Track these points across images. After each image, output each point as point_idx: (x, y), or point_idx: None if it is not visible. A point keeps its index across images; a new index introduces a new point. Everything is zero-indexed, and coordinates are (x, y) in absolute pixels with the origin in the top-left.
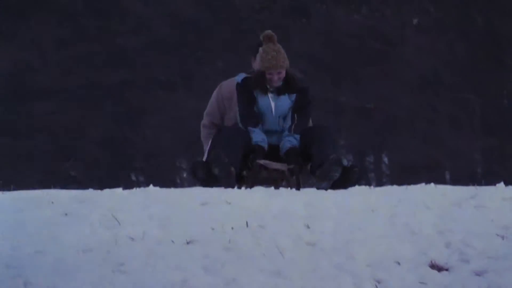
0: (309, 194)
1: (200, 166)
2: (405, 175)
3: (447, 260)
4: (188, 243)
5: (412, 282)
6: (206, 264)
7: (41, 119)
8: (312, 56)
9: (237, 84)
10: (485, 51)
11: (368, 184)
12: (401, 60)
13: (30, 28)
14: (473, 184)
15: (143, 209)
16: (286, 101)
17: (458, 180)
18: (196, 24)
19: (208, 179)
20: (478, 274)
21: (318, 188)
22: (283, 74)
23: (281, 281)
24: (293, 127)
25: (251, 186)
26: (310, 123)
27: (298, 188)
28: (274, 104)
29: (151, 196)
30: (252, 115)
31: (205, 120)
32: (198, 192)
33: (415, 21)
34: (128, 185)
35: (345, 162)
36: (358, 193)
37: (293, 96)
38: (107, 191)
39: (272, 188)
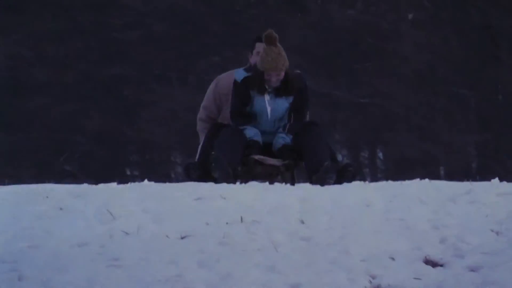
0: (304, 189)
1: (192, 168)
2: (400, 170)
3: (442, 255)
4: (182, 237)
5: (407, 277)
6: (201, 258)
7: (36, 113)
8: (307, 50)
9: (235, 81)
10: (481, 46)
11: (363, 179)
12: (396, 55)
13: (26, 22)
14: (468, 180)
15: (137, 203)
16: (283, 104)
17: (453, 175)
18: (192, 19)
19: (202, 180)
20: (473, 269)
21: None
22: (282, 75)
23: (275, 276)
24: (287, 126)
25: (246, 182)
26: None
27: (292, 184)
28: (270, 108)
29: (146, 191)
30: (243, 114)
31: (202, 114)
32: (193, 187)
33: (410, 16)
34: (123, 180)
35: (339, 158)
36: (353, 188)
37: (291, 98)
38: (102, 185)
39: (267, 183)
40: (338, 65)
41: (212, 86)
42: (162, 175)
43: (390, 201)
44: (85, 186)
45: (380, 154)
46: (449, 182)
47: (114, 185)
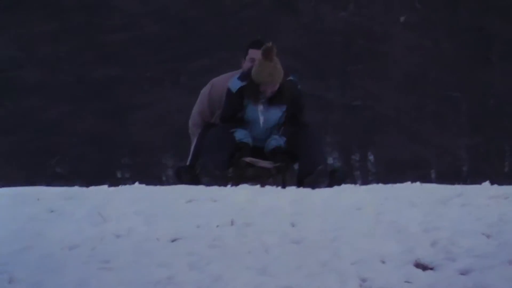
0: (295, 191)
1: (183, 172)
2: (391, 173)
3: (433, 258)
4: (173, 240)
5: (397, 280)
6: (192, 261)
7: (27, 115)
8: (299, 52)
9: (229, 91)
10: (472, 49)
11: (354, 182)
12: (388, 58)
13: (17, 23)
14: (459, 183)
15: (128, 206)
16: (275, 113)
17: (444, 178)
18: (184, 20)
19: (193, 183)
20: (464, 273)
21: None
22: (276, 87)
23: (266, 278)
24: (281, 130)
25: (237, 184)
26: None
27: (284, 186)
28: (263, 118)
29: (137, 193)
30: (234, 119)
31: (196, 119)
32: (184, 190)
33: (402, 18)
34: (114, 182)
35: (330, 161)
36: (344, 191)
37: (284, 106)
38: (93, 188)
39: (258, 185)
40: (330, 67)
41: (206, 90)
42: (153, 178)
43: (381, 204)
44: (76, 188)
45: (371, 157)
46: (440, 185)
47: (105, 187)
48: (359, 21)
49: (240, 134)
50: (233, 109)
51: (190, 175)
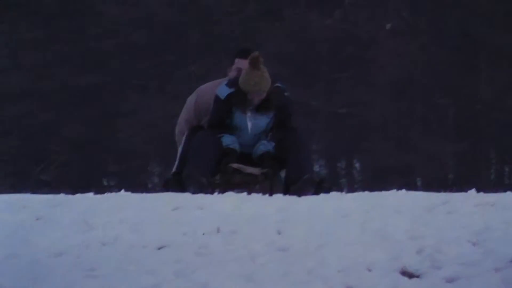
0: (281, 199)
1: (171, 183)
2: (377, 180)
3: (419, 266)
4: (159, 248)
5: None
6: (178, 268)
7: (12, 122)
8: (285, 59)
9: (218, 97)
10: (459, 55)
11: (340, 189)
12: (375, 64)
13: (3, 29)
14: (445, 190)
15: (114, 213)
16: (263, 120)
17: (430, 185)
18: (169, 27)
19: (180, 191)
20: (450, 281)
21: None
22: (264, 95)
23: (252, 286)
24: (270, 135)
25: (224, 190)
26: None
27: (271, 194)
28: (250, 124)
29: (123, 201)
30: (222, 126)
31: (183, 127)
32: (170, 197)
33: (388, 25)
34: (100, 190)
35: (316, 169)
36: (330, 199)
37: (271, 113)
38: (79, 195)
39: (245, 193)
40: (316, 74)
41: (192, 99)
42: (139, 185)
43: (367, 211)
44: (62, 196)
45: (358, 164)
46: (426, 192)
47: (91, 195)
48: (345, 28)
49: (228, 140)
50: (221, 115)
51: (177, 183)
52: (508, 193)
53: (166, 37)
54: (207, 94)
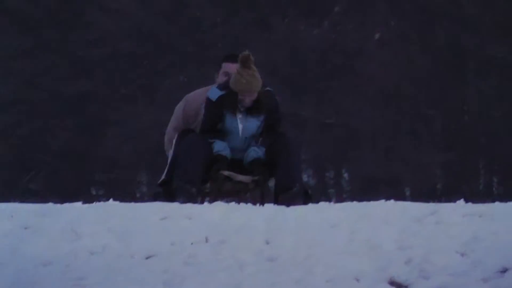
0: (270, 209)
1: (160, 194)
2: (365, 190)
3: (407, 276)
4: (148, 257)
5: None
6: (166, 278)
7: (0, 130)
8: (273, 69)
9: (209, 99)
10: (447, 65)
11: (328, 199)
12: (363, 75)
13: None
14: (433, 200)
15: (103, 223)
16: (254, 122)
17: (418, 195)
18: (158, 37)
19: (170, 199)
20: None
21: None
22: (255, 96)
23: None
24: (260, 140)
25: (214, 198)
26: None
27: (262, 201)
28: (241, 126)
29: (111, 210)
30: (214, 130)
31: (172, 136)
32: (158, 207)
33: (377, 35)
34: (88, 199)
35: (305, 179)
36: (318, 209)
37: (262, 117)
38: (67, 205)
39: (233, 202)
40: (304, 84)
41: (180, 106)
42: (127, 195)
43: (355, 221)
44: (50, 205)
45: (346, 174)
46: (415, 202)
47: (79, 204)
48: (333, 38)
49: (219, 146)
50: (213, 118)
51: (166, 194)
52: (497, 203)
53: (154, 47)
54: (195, 101)
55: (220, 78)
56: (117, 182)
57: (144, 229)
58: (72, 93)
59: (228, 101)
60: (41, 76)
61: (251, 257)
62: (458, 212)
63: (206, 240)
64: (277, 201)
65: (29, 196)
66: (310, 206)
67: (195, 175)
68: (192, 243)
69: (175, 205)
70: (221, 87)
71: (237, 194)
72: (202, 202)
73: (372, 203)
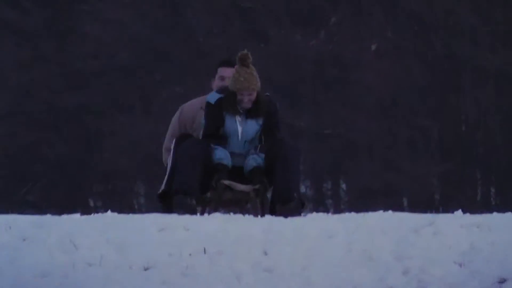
0: (267, 220)
1: (162, 202)
2: (363, 201)
3: (405, 287)
4: (145, 268)
5: None
6: None
7: None
8: (270, 80)
9: (208, 103)
10: (443, 76)
11: (326, 210)
12: (360, 85)
13: None
14: (431, 211)
15: (100, 234)
16: (253, 126)
17: (416, 206)
18: (154, 48)
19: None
20: None
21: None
22: (254, 95)
23: None
24: (259, 146)
25: (215, 208)
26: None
27: (262, 211)
28: (241, 129)
29: (109, 222)
30: (216, 135)
31: (169, 145)
32: (156, 218)
33: (373, 46)
34: (86, 210)
35: (302, 190)
36: (315, 219)
37: (261, 120)
38: (65, 216)
39: (231, 213)
40: (301, 95)
41: (176, 115)
42: (125, 205)
43: (353, 232)
44: (48, 216)
45: (344, 185)
46: (412, 213)
47: (77, 216)
48: (330, 49)
49: (220, 154)
50: (215, 122)
51: (165, 204)
52: (494, 214)
53: (150, 58)
54: (191, 109)
55: (216, 83)
56: (114, 193)
57: (142, 240)
58: (69, 104)
59: (227, 103)
60: (38, 87)
61: (249, 268)
62: (455, 223)
63: (204, 251)
64: (273, 212)
65: (27, 207)
66: (308, 216)
67: (194, 186)
68: (190, 254)
69: (173, 216)
70: (219, 91)
71: (238, 204)
72: (203, 212)
73: (369, 213)
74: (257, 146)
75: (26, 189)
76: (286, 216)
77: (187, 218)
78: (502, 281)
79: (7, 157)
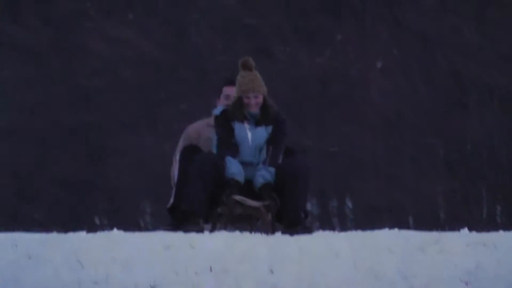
0: (273, 238)
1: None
2: (368, 219)
3: None
4: (152, 287)
5: None
6: None
7: (3, 160)
8: (275, 98)
9: (215, 116)
10: (449, 94)
11: (332, 228)
12: (365, 103)
13: None
14: (437, 229)
15: (106, 252)
16: (262, 132)
17: (422, 224)
18: (159, 66)
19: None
20: None
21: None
22: (260, 99)
23: None
24: (268, 159)
25: (225, 223)
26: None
27: (273, 228)
28: (250, 134)
29: (115, 240)
30: (230, 144)
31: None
32: (162, 236)
33: (379, 64)
34: (91, 228)
35: (308, 208)
36: (321, 237)
37: (270, 128)
38: (71, 234)
39: (237, 231)
40: (306, 112)
41: (182, 136)
42: (131, 224)
43: (358, 250)
44: (54, 234)
45: (349, 203)
46: (418, 231)
47: (83, 234)
48: (335, 67)
49: (233, 169)
50: (225, 130)
51: (174, 219)
52: (500, 232)
53: (155, 75)
54: (196, 127)
55: (222, 101)
56: (120, 211)
57: (148, 259)
58: (74, 122)
59: (235, 109)
60: (42, 105)
61: (255, 286)
62: (461, 241)
63: (210, 269)
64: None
65: (32, 225)
66: (314, 235)
67: (202, 207)
68: (196, 273)
69: (179, 234)
70: (224, 106)
71: (248, 220)
72: (214, 227)
73: (375, 232)
74: (265, 160)
75: (31, 207)
76: (291, 234)
77: (193, 236)
78: None
79: (13, 174)
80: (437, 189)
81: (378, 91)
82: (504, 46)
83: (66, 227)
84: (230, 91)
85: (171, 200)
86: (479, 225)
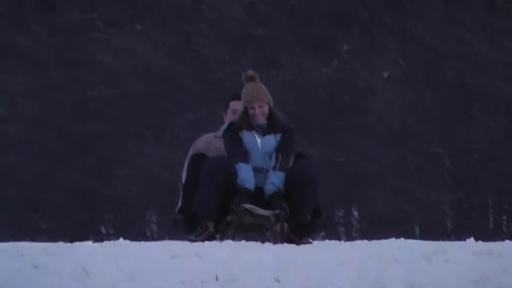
0: (279, 246)
1: (180, 222)
2: (375, 229)
3: None
4: None
5: None
6: None
7: (10, 170)
8: (282, 108)
9: (224, 131)
10: (455, 105)
11: (338, 238)
12: (371, 113)
13: (0, 78)
14: (443, 238)
15: (113, 262)
16: (271, 139)
17: (428, 234)
18: (167, 76)
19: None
20: None
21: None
22: (266, 108)
23: None
24: (277, 165)
25: (234, 232)
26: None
27: (282, 238)
28: (260, 141)
29: (121, 249)
30: (240, 150)
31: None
32: (168, 245)
33: (385, 74)
34: (98, 238)
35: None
36: (327, 247)
37: (278, 135)
38: (77, 244)
39: (243, 241)
40: (313, 123)
41: (191, 149)
42: (137, 233)
43: (365, 260)
44: (60, 244)
45: (356, 213)
46: (424, 241)
47: (89, 243)
48: (342, 77)
49: (244, 176)
50: (234, 140)
51: (186, 220)
52: (507, 241)
53: (163, 86)
54: (204, 139)
55: (229, 116)
56: (127, 221)
57: (154, 268)
58: (81, 132)
59: (242, 119)
60: (49, 115)
61: None
62: (467, 251)
63: (216, 278)
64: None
65: (39, 235)
66: (320, 244)
67: (214, 211)
68: (202, 282)
69: (185, 244)
70: (231, 121)
71: (258, 229)
72: (223, 235)
73: (381, 241)
74: (275, 166)
75: (38, 217)
76: (297, 243)
77: (198, 245)
78: None
79: (20, 184)
80: (443, 198)
81: (385, 101)
82: (510, 56)
83: (72, 236)
84: (237, 106)
85: (179, 204)
86: (485, 234)
